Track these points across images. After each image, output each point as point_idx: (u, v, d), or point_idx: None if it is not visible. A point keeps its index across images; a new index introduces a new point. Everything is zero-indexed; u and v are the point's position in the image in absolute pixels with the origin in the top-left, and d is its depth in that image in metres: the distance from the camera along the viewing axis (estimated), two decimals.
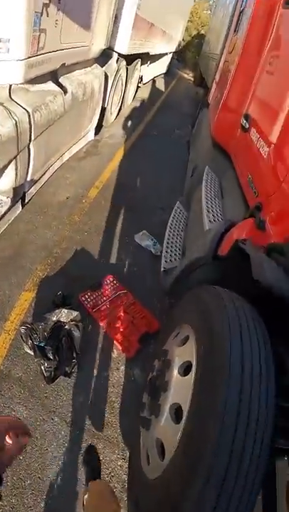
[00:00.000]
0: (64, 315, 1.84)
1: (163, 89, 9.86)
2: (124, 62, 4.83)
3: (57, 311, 1.83)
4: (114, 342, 1.94)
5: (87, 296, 2.12)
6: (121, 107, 5.70)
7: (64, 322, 1.82)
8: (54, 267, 2.33)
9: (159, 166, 4.48)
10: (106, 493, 0.91)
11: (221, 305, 1.07)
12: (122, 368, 1.87)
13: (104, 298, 2.15)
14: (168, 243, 2.27)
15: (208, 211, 1.82)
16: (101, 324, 2.00)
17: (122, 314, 2.08)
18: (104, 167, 3.97)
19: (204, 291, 1.26)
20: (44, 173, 2.98)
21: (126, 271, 2.51)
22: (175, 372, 1.17)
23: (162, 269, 2.07)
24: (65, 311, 1.86)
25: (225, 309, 1.03)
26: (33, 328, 1.75)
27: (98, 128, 4.62)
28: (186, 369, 1.15)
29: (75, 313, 1.87)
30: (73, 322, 1.84)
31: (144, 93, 8.07)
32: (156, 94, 8.71)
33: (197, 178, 2.60)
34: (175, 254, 2.20)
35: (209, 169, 2.36)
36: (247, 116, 2.00)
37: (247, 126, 1.94)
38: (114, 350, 1.93)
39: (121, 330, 1.99)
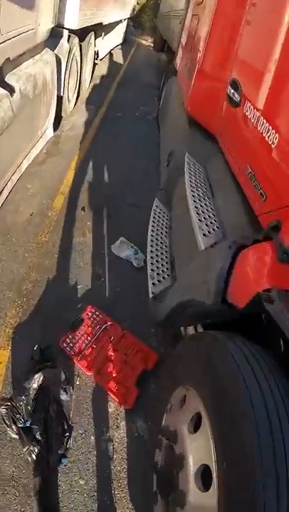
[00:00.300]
0: (45, 378, 1.51)
1: (121, 61, 9.06)
2: (76, 40, 4.21)
3: (36, 376, 1.49)
4: (109, 393, 1.63)
5: (68, 341, 1.78)
6: (79, 91, 5.08)
7: (48, 386, 1.49)
8: (26, 308, 1.97)
9: (127, 153, 4.01)
10: None
11: (233, 368, 0.89)
12: (123, 423, 1.57)
13: (89, 337, 1.81)
14: (152, 257, 1.91)
15: (199, 219, 1.43)
16: (89, 374, 1.68)
17: (112, 354, 1.76)
18: (68, 167, 3.50)
19: (209, 348, 1.03)
20: (1, 192, 2.54)
21: (108, 294, 2.16)
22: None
23: (151, 294, 1.73)
24: (46, 372, 1.52)
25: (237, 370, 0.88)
26: (14, 405, 1.42)
27: (57, 121, 4.06)
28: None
29: (58, 373, 1.54)
30: (59, 384, 1.52)
31: (102, 69, 7.34)
32: (115, 68, 7.97)
33: (175, 168, 2.18)
34: (163, 271, 1.85)
35: (190, 157, 1.94)
36: (235, 84, 1.52)
37: (237, 98, 1.47)
38: (111, 404, 1.62)
39: (114, 375, 1.67)
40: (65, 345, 1.76)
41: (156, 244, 2.01)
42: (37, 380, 1.48)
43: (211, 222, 1.44)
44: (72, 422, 1.49)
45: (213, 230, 1.41)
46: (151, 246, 1.98)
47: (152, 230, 2.09)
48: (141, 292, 2.06)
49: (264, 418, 0.77)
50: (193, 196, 1.59)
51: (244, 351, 0.95)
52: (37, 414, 1.42)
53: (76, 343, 1.78)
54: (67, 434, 1.43)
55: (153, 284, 1.77)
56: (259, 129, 1.20)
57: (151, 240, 2.02)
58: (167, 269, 1.89)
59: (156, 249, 1.97)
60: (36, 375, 1.50)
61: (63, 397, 1.49)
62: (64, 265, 2.30)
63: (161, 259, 1.93)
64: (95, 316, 1.92)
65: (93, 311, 1.95)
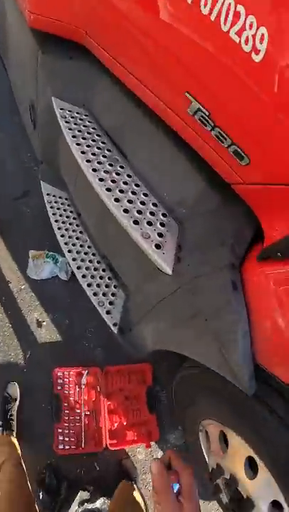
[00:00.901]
0: None
1: None
2: None
3: None
4: (133, 446, 1.39)
5: (61, 439, 1.37)
6: None
7: None
8: None
9: None
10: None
11: None
12: (159, 454, 1.41)
13: (77, 409, 1.42)
14: (84, 275, 1.35)
15: (133, 221, 0.87)
16: (103, 448, 1.37)
17: (110, 403, 1.45)
18: None
19: None
20: None
21: (59, 336, 1.62)
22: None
23: (113, 328, 1.28)
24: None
25: None
26: None
27: None
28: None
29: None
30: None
31: None
32: None
33: (46, 127, 1.33)
34: (106, 286, 1.35)
35: (61, 102, 1.09)
36: None
37: None
38: (141, 451, 1.41)
39: (124, 424, 1.41)
40: (61, 448, 1.36)
41: (78, 252, 1.42)
42: None
43: (146, 215, 0.92)
44: None
45: (155, 231, 0.91)
46: (74, 260, 1.39)
47: (62, 235, 1.44)
48: (93, 307, 1.60)
49: None
50: (94, 172, 0.97)
51: None
52: None
53: (69, 431, 1.39)
54: None
55: (108, 312, 1.31)
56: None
57: (69, 251, 1.42)
58: (109, 278, 1.39)
59: (82, 260, 1.41)
60: None
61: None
62: None
63: (95, 269, 1.40)
64: (67, 378, 1.48)
65: (61, 372, 1.49)
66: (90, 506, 1.26)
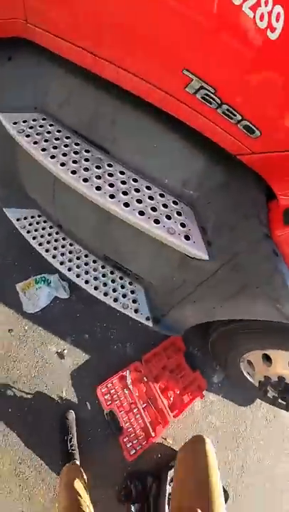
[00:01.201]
0: None
1: None
2: None
3: None
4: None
5: (129, 446, 1.40)
6: None
7: None
8: None
9: None
10: None
11: None
12: (211, 396, 1.60)
13: (136, 412, 1.45)
14: (97, 287, 1.27)
15: (154, 221, 0.81)
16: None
17: (160, 383, 1.52)
18: None
19: None
20: None
21: (86, 355, 1.53)
22: None
23: (146, 322, 1.25)
24: None
25: None
26: None
27: None
28: None
29: None
30: None
31: None
32: None
33: (3, 150, 1.13)
34: (123, 287, 1.30)
35: (14, 119, 0.91)
36: None
37: None
38: (197, 403, 1.56)
39: (178, 392, 1.54)
40: (133, 453, 1.39)
41: (78, 267, 1.32)
42: None
43: (164, 206, 0.87)
44: None
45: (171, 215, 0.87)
46: (79, 276, 1.29)
47: (54, 256, 1.30)
48: (104, 309, 1.57)
49: None
50: (85, 183, 0.86)
51: None
52: None
53: (135, 433, 1.43)
54: None
55: (136, 311, 1.28)
56: None
57: (69, 269, 1.30)
58: (121, 278, 1.34)
59: (87, 272, 1.31)
60: None
61: None
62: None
63: (103, 275, 1.32)
64: (112, 389, 1.46)
65: (104, 388, 1.46)
66: None
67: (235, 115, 0.66)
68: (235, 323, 1.17)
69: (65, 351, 1.52)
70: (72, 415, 1.41)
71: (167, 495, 1.32)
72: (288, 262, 0.79)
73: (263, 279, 0.83)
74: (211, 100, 0.67)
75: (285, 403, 1.25)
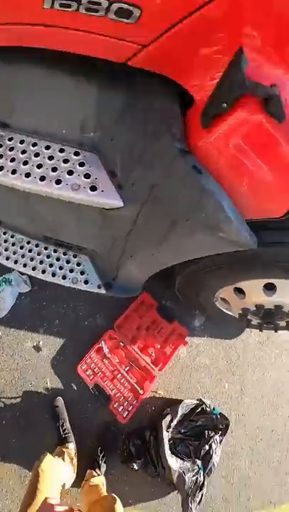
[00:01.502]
0: None
1: None
2: None
3: None
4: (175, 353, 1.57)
5: (121, 409, 1.47)
6: None
7: None
8: None
9: None
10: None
11: None
12: (195, 340, 1.66)
13: (120, 377, 1.51)
14: (42, 267, 1.32)
15: (55, 182, 0.80)
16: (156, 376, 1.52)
17: (138, 343, 1.58)
18: None
19: None
20: None
21: (61, 340, 1.58)
22: None
23: (103, 291, 1.28)
24: None
25: None
26: None
27: None
28: None
29: None
30: None
31: None
32: None
33: None
34: (69, 262, 1.34)
35: None
36: None
37: None
38: (182, 351, 1.63)
39: (159, 346, 1.59)
40: (126, 415, 1.46)
41: (23, 256, 1.35)
42: None
43: (64, 162, 0.84)
44: None
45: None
46: (26, 266, 1.31)
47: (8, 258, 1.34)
48: (65, 288, 1.61)
49: None
50: None
51: None
52: None
53: (123, 396, 1.49)
54: None
55: (86, 282, 1.32)
56: None
57: (15, 262, 1.33)
58: (64, 253, 1.36)
59: (32, 259, 1.34)
60: None
61: None
62: None
63: (48, 256, 1.35)
64: (92, 363, 1.51)
65: (84, 364, 1.51)
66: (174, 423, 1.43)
67: (99, 4, 0.52)
68: (194, 264, 1.08)
69: (41, 343, 1.56)
70: (60, 401, 1.45)
71: (166, 441, 1.39)
72: (219, 178, 0.66)
73: (190, 207, 0.72)
74: (69, 3, 0.53)
75: (272, 325, 1.27)
